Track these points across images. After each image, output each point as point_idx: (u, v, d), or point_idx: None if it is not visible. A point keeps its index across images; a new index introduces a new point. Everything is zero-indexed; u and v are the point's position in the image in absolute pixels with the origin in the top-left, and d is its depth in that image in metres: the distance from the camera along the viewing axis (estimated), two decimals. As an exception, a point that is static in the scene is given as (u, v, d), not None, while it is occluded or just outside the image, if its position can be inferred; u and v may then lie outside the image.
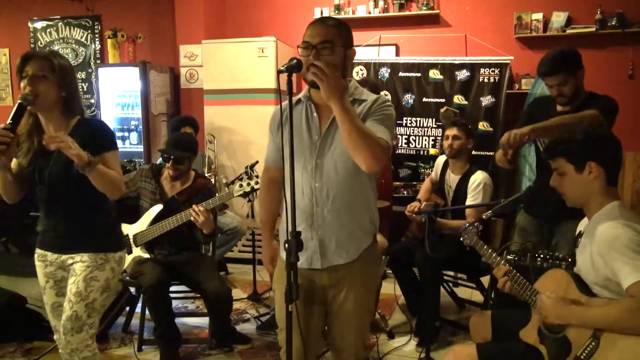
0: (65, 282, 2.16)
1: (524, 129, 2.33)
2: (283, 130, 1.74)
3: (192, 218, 2.93)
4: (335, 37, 1.77)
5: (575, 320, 1.71)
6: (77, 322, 2.08)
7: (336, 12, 5.25)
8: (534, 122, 2.61)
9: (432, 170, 3.89)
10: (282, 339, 1.89)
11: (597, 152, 1.80)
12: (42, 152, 2.06)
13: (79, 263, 2.10)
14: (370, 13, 5.20)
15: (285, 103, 1.84)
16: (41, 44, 6.17)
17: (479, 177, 3.29)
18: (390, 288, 3.50)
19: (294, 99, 1.85)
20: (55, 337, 2.24)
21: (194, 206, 2.93)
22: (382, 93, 4.81)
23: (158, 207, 3.09)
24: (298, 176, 1.81)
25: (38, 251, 2.19)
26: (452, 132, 3.37)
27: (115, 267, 2.17)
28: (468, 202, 3.28)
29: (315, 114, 1.85)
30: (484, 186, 3.25)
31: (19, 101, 1.93)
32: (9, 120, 1.91)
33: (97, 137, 2.09)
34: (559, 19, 4.74)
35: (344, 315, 1.91)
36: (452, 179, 3.44)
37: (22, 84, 2.01)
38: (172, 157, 3.10)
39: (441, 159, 3.63)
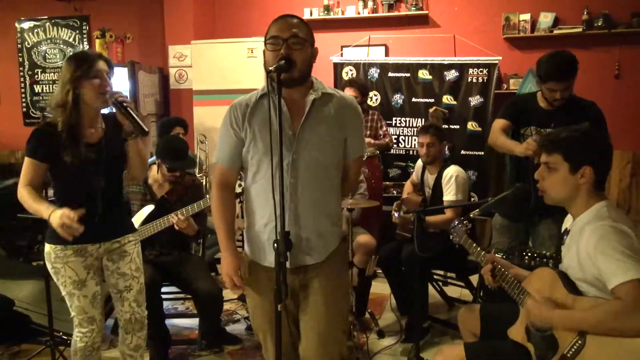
0: (101, 271, 2.33)
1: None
2: (253, 124, 1.77)
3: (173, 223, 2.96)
4: (304, 32, 1.75)
5: (560, 324, 1.72)
6: (142, 294, 2.41)
7: (325, 12, 5.26)
8: (518, 114, 2.76)
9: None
10: (260, 339, 1.93)
11: (595, 159, 1.79)
12: (89, 146, 2.18)
13: (129, 243, 2.35)
14: (359, 13, 5.21)
15: (243, 98, 1.87)
16: (28, 44, 6.12)
17: (450, 171, 3.32)
18: (380, 287, 3.51)
19: (259, 93, 1.84)
20: (85, 329, 2.28)
21: (172, 215, 2.94)
22: (371, 93, 4.83)
23: (149, 208, 3.07)
24: (269, 172, 1.74)
25: (72, 247, 2.20)
26: (425, 139, 3.36)
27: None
28: (444, 196, 3.31)
29: (285, 108, 1.77)
30: (456, 179, 3.28)
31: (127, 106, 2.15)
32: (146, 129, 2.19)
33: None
34: (546, 19, 4.78)
35: (314, 320, 1.83)
36: (430, 179, 3.48)
37: (95, 82, 2.12)
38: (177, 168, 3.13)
39: (420, 162, 3.66)
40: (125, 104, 2.14)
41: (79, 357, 2.31)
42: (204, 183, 4.59)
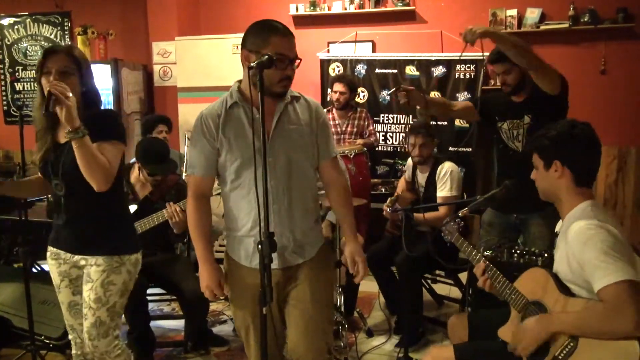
0: (80, 281, 2.13)
1: (480, 27, 2.60)
2: (227, 134, 1.80)
3: (167, 216, 2.88)
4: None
5: (554, 328, 1.69)
6: (102, 327, 2.07)
7: (312, 8, 5.21)
8: (488, 107, 2.90)
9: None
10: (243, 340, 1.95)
11: (562, 152, 1.79)
12: (55, 147, 2.04)
13: (94, 267, 2.06)
14: (346, 9, 5.17)
15: (211, 109, 1.87)
16: (8, 41, 5.99)
17: (445, 166, 3.31)
18: (369, 286, 3.48)
19: (227, 102, 1.86)
20: (70, 336, 2.21)
21: (171, 204, 2.88)
22: (358, 90, 4.79)
23: (132, 208, 3.01)
24: (250, 178, 1.80)
25: (51, 249, 2.14)
26: (418, 140, 3.34)
27: (132, 269, 2.14)
28: (438, 191, 3.29)
29: (257, 115, 1.74)
30: (451, 174, 3.27)
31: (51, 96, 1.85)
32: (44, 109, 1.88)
33: (100, 123, 2.00)
34: (533, 15, 4.78)
35: (300, 310, 1.89)
36: (421, 177, 3.45)
37: (43, 81, 1.96)
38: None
39: (411, 161, 3.63)
40: (51, 92, 1.84)
41: None
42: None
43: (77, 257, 2.11)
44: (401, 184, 3.75)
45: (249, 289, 1.85)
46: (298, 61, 1.80)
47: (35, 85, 5.87)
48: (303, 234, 1.90)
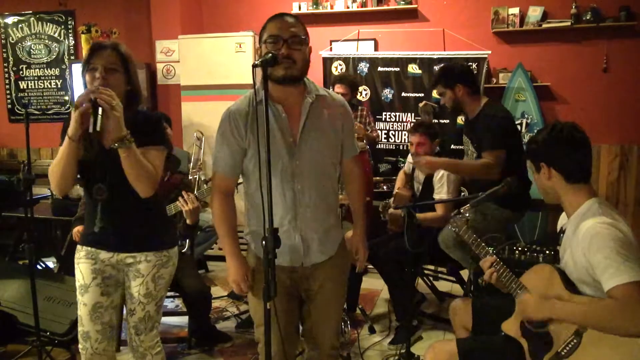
0: (112, 280, 2.07)
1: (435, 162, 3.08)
2: (255, 132, 1.70)
3: (180, 205, 2.88)
4: (302, 32, 1.78)
5: (559, 315, 1.70)
6: (150, 321, 2.09)
7: (314, 6, 5.22)
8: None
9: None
10: (260, 333, 1.94)
11: (544, 155, 1.83)
12: (102, 150, 1.92)
13: (144, 263, 2.04)
14: (348, 8, 5.18)
15: (240, 106, 1.84)
16: (12, 39, 6.01)
17: (441, 170, 3.31)
18: (371, 283, 3.50)
19: (255, 99, 1.80)
20: (80, 346, 2.07)
21: (184, 192, 2.89)
22: (361, 88, 4.81)
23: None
24: (277, 179, 1.78)
25: (87, 249, 2.05)
26: (415, 139, 3.36)
27: (176, 261, 2.17)
28: (435, 194, 3.31)
29: (284, 114, 1.80)
30: (448, 177, 3.28)
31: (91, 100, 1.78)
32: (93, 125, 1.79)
33: (147, 128, 1.97)
34: (535, 13, 4.79)
35: (322, 302, 1.97)
36: (420, 176, 3.47)
37: (87, 77, 1.92)
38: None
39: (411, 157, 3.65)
40: (98, 103, 1.78)
41: None
42: (196, 179, 4.56)
43: (122, 256, 2.04)
44: (400, 177, 3.76)
45: (279, 285, 1.87)
46: (296, 40, 1.72)
47: (39, 83, 5.95)
48: (326, 233, 1.93)
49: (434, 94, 4.73)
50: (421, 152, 3.33)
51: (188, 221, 2.95)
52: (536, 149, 1.87)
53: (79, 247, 2.10)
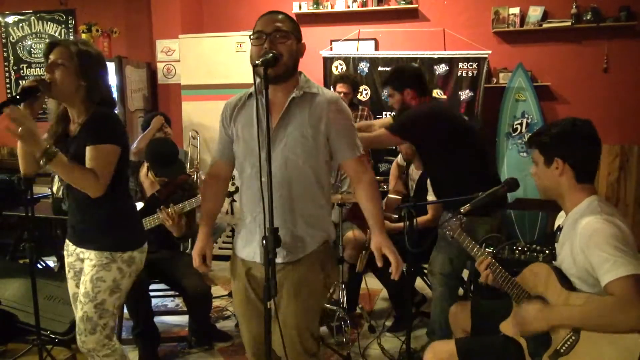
0: (82, 273, 2.12)
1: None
2: (237, 125, 1.84)
3: (161, 219, 2.91)
4: (288, 26, 1.77)
5: (553, 324, 1.71)
6: (89, 323, 2.04)
7: (315, 6, 5.22)
8: None
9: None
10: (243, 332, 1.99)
11: (563, 150, 1.80)
12: (65, 140, 2.04)
13: (87, 261, 2.06)
14: (349, 7, 5.18)
15: (235, 98, 1.92)
16: (13, 39, 6.02)
17: None
18: (371, 282, 3.50)
19: (248, 92, 1.89)
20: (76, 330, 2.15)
21: (163, 209, 2.90)
22: (361, 88, 4.81)
23: (139, 205, 3.04)
24: (249, 170, 1.84)
25: (67, 242, 2.19)
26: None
27: (124, 267, 2.07)
28: (428, 196, 3.29)
29: (263, 106, 1.71)
30: None
31: (27, 84, 1.91)
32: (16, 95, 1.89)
33: (92, 128, 1.98)
34: (535, 13, 4.79)
35: (282, 322, 1.79)
36: (415, 173, 3.46)
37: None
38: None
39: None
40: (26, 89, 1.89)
41: None
42: (195, 179, 4.56)
43: (78, 250, 2.13)
44: (393, 172, 3.74)
45: (240, 279, 1.94)
46: (279, 34, 1.72)
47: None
48: (292, 235, 1.81)
49: (434, 93, 4.74)
50: (410, 152, 3.36)
51: (174, 234, 2.98)
52: (552, 143, 1.82)
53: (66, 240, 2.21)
